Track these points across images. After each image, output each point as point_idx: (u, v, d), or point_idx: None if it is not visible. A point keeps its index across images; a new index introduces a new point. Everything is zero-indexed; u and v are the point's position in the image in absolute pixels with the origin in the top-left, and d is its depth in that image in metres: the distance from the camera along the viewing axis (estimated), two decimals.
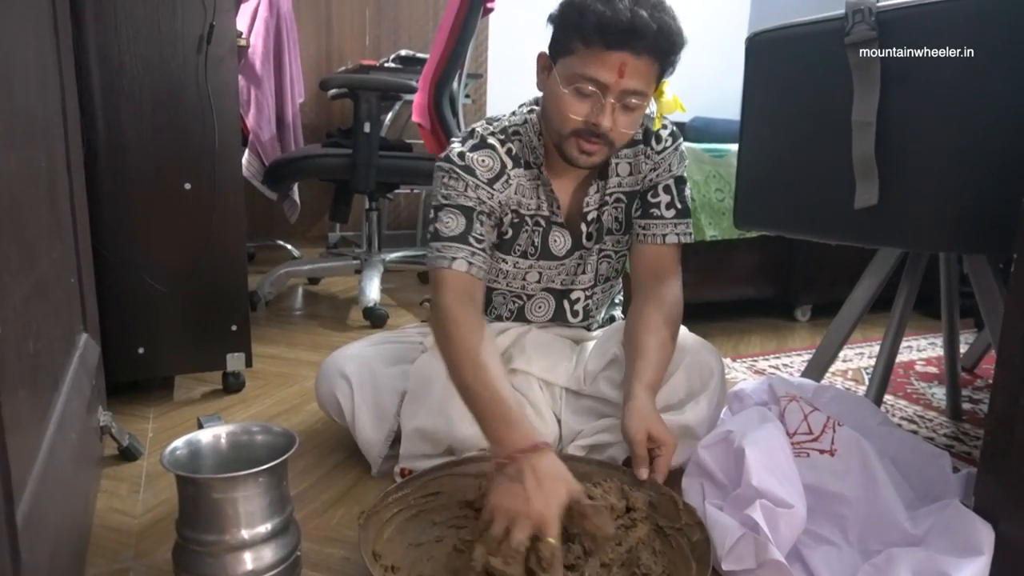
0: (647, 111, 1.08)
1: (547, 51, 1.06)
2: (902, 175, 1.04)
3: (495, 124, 1.14)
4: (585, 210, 1.17)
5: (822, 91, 1.13)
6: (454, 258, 1.04)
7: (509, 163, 1.11)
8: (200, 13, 1.32)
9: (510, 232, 1.15)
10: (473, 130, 1.13)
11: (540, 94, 1.11)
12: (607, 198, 1.17)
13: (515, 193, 1.12)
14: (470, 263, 1.04)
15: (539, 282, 1.21)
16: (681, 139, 1.19)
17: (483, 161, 1.09)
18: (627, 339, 1.11)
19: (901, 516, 0.90)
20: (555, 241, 1.17)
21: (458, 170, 1.08)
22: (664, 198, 1.17)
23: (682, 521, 0.93)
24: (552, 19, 1.03)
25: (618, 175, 1.17)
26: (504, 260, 1.17)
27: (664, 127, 1.17)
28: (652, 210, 1.17)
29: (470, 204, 1.07)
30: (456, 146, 1.11)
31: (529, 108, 1.15)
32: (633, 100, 1.00)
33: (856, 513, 0.93)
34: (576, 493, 0.83)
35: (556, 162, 1.12)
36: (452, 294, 1.02)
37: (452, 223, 1.06)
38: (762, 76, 1.27)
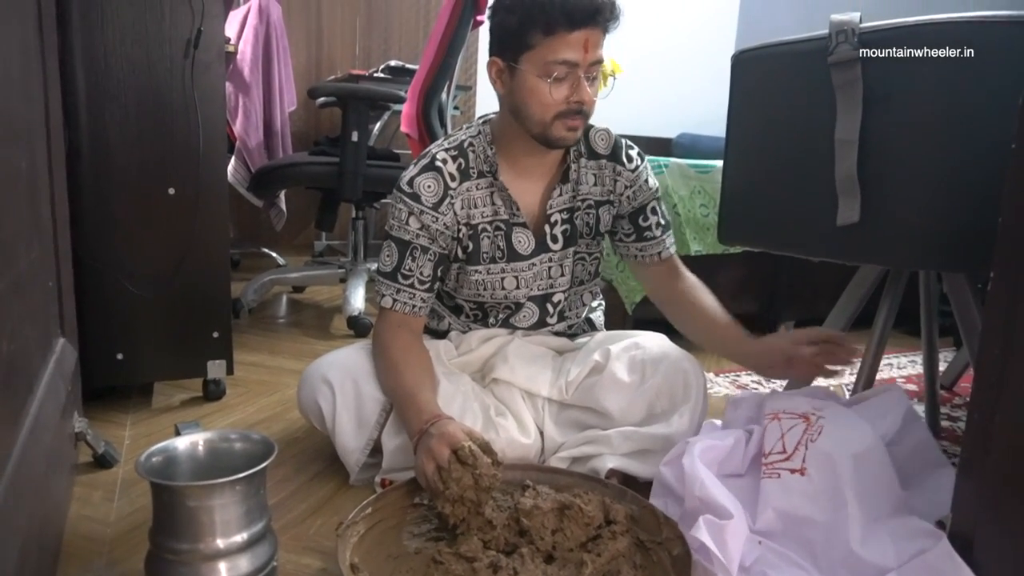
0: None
1: (497, 58, 1.10)
2: (883, 193, 1.05)
3: (451, 139, 1.19)
4: (548, 212, 1.20)
5: (806, 109, 1.14)
6: (383, 295, 1.17)
7: (455, 182, 1.15)
8: (188, 17, 1.32)
9: (471, 245, 1.18)
10: (428, 151, 1.18)
11: (488, 110, 1.17)
12: (578, 203, 1.21)
13: (462, 208, 1.16)
14: (395, 300, 1.16)
15: (518, 288, 1.22)
16: (644, 155, 1.27)
17: (428, 186, 1.14)
18: (690, 324, 1.28)
19: (860, 544, 0.89)
20: (520, 242, 1.20)
21: (405, 198, 1.15)
22: (653, 219, 1.26)
23: (663, 535, 0.92)
24: (498, 24, 1.08)
25: (587, 183, 1.22)
26: (476, 271, 1.19)
27: (631, 146, 1.24)
28: (646, 232, 1.26)
29: (407, 238, 1.15)
30: (409, 171, 1.16)
31: (483, 120, 1.21)
32: (596, 68, 1.08)
33: (826, 537, 0.92)
34: (463, 436, 0.92)
35: (512, 167, 1.18)
36: (384, 324, 1.17)
37: (388, 259, 1.17)
38: (747, 94, 1.29)
